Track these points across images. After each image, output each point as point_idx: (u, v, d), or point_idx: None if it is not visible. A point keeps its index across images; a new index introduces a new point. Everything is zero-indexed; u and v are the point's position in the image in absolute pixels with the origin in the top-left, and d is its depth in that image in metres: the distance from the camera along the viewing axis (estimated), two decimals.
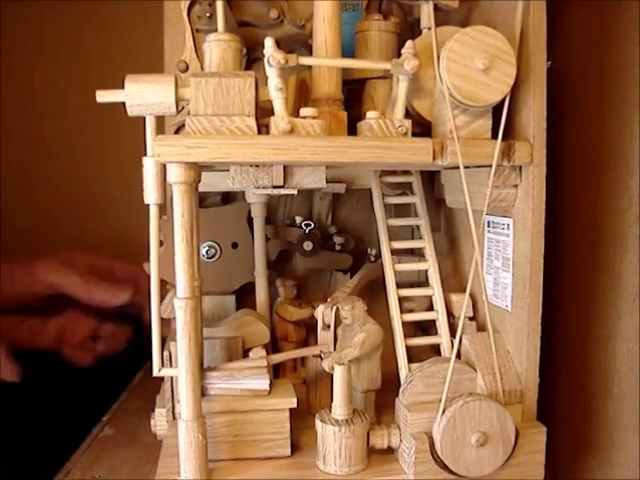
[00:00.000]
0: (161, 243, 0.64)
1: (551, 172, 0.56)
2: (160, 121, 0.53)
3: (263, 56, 0.52)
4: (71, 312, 1.00)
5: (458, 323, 0.55)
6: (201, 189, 0.65)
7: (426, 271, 0.69)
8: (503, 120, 0.54)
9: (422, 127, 0.59)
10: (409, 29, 0.69)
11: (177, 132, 0.64)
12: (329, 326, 0.66)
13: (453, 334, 0.65)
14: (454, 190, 0.65)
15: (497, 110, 0.55)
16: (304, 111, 0.53)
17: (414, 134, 0.55)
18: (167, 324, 0.67)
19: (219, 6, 0.59)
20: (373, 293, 0.74)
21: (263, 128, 0.53)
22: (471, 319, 0.66)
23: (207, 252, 0.74)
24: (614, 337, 0.66)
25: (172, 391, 0.64)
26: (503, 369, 0.59)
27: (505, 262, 0.61)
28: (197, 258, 0.60)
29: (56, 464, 0.72)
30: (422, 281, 0.74)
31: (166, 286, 0.68)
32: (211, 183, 0.68)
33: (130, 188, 0.62)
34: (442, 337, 0.66)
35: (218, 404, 0.57)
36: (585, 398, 0.70)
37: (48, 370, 0.92)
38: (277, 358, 0.65)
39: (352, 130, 0.58)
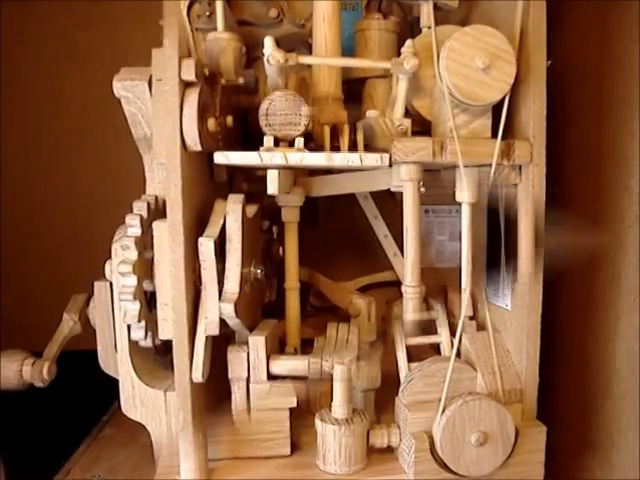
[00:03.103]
0: None
1: (551, 172, 0.56)
2: None
3: (263, 55, 0.52)
4: None
5: (458, 323, 0.55)
6: None
7: None
8: (503, 119, 0.54)
9: (422, 126, 0.59)
10: (409, 28, 0.69)
11: None
12: None
13: (453, 333, 0.64)
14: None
15: (497, 109, 0.55)
16: None
17: (414, 133, 0.55)
18: None
19: (219, 5, 0.60)
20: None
21: None
22: (471, 318, 0.66)
23: None
24: (614, 337, 0.66)
25: None
26: (503, 368, 0.59)
27: None
28: None
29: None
30: None
31: None
32: None
33: (130, 188, 0.62)
34: (442, 336, 0.66)
35: None
36: (585, 398, 0.70)
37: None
38: None
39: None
